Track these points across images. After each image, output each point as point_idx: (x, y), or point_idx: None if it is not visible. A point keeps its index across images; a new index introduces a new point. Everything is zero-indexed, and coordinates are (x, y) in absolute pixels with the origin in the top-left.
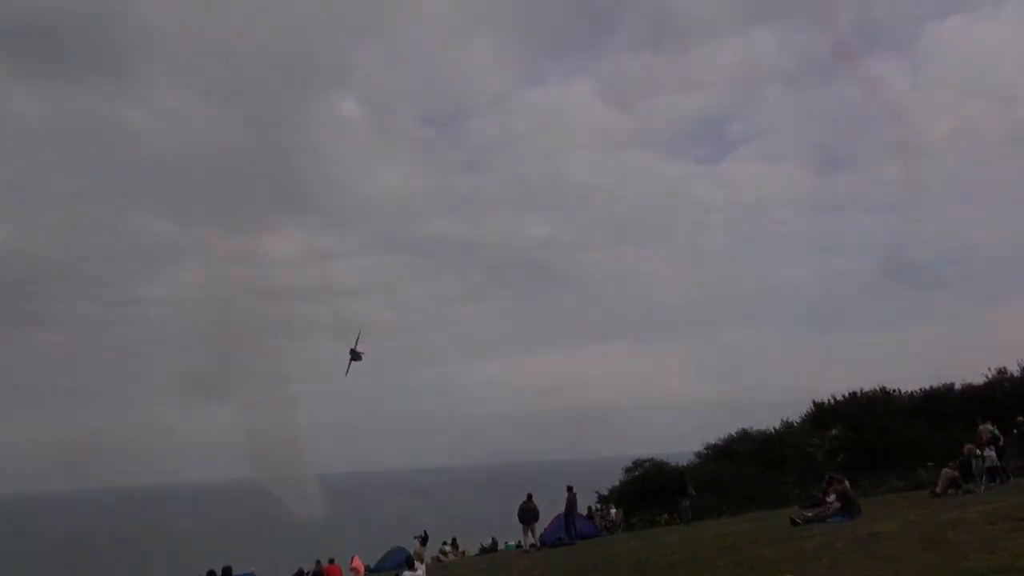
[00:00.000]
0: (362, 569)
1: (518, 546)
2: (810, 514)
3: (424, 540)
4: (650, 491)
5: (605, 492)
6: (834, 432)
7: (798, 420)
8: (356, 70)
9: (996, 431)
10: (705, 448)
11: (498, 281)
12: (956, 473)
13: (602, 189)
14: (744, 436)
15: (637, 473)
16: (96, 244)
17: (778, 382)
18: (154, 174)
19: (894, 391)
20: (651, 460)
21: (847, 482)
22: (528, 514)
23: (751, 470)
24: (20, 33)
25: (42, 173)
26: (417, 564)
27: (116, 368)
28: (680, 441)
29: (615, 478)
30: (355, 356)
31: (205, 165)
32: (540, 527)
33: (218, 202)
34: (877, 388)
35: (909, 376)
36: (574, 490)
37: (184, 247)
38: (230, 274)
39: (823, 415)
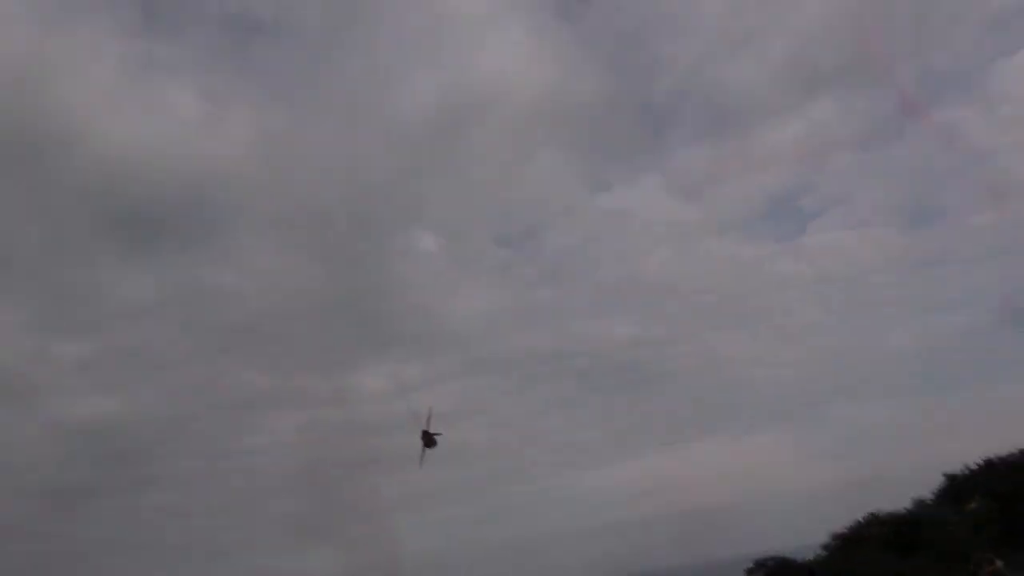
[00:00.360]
0: None
1: None
2: None
3: None
4: None
5: None
6: (973, 505)
7: (930, 497)
8: (429, 205)
9: None
10: (832, 538)
11: (590, 387)
12: None
13: (684, 281)
14: (873, 520)
15: (761, 574)
16: (198, 403)
17: (901, 457)
18: (249, 330)
19: None
20: (774, 557)
21: (998, 562)
22: None
23: (885, 556)
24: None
25: (146, 343)
26: None
27: (221, 520)
28: (803, 533)
29: None
30: (428, 441)
31: (295, 315)
32: None
33: (309, 349)
34: (1015, 451)
35: None
36: None
37: (279, 396)
38: (324, 416)
39: (958, 488)
